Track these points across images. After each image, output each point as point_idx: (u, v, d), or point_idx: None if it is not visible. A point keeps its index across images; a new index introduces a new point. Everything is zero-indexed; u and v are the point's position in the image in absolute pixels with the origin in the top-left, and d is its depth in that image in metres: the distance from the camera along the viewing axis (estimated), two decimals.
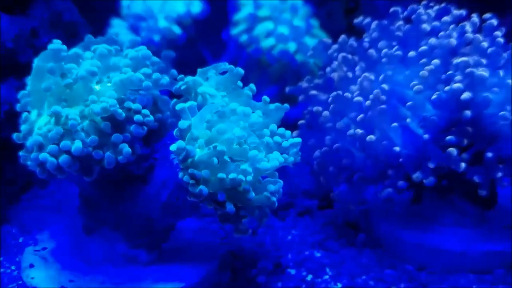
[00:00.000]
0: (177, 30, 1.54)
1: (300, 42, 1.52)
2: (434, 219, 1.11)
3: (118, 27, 1.62)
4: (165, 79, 0.91)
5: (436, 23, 1.06)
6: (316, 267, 1.09)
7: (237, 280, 1.04)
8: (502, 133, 0.96)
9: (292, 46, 1.51)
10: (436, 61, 0.97)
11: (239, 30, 1.57)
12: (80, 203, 0.97)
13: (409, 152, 1.01)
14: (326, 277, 1.06)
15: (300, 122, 1.15)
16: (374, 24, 1.12)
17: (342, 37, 1.15)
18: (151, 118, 0.86)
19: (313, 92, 1.15)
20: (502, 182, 0.98)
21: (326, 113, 1.06)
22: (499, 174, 0.97)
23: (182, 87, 0.90)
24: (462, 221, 1.10)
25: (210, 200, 0.81)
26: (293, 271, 1.07)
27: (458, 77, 0.95)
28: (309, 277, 1.05)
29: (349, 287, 1.02)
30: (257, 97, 1.33)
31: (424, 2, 1.11)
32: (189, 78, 0.91)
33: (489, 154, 0.96)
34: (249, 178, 0.79)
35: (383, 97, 0.98)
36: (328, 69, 1.16)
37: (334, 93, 1.04)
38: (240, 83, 0.93)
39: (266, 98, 0.93)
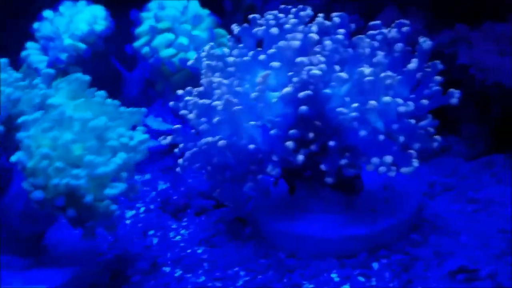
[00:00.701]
0: (81, 45, 1.62)
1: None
2: (306, 208, 1.18)
3: (30, 49, 1.70)
4: (20, 93, 0.98)
5: (288, 26, 1.13)
6: (193, 262, 1.16)
7: (113, 280, 1.10)
8: (344, 125, 1.03)
9: (192, 55, 1.58)
10: (276, 64, 1.05)
11: (141, 42, 1.65)
12: None
13: (265, 148, 1.08)
14: (200, 271, 1.12)
15: (176, 126, 1.21)
16: (236, 30, 1.20)
17: (209, 45, 1.23)
18: (1, 128, 0.93)
19: (189, 98, 1.22)
20: (347, 169, 1.06)
21: (191, 115, 1.13)
22: (343, 161, 1.04)
23: (37, 101, 0.97)
24: (330, 208, 1.17)
25: (53, 206, 0.87)
26: (168, 269, 1.13)
27: (295, 79, 1.02)
28: (179, 273, 1.11)
29: (216, 278, 1.08)
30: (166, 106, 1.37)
31: (281, 6, 1.19)
32: (41, 92, 0.98)
33: (331, 143, 1.04)
34: (82, 182, 0.85)
35: (235, 100, 1.05)
36: (202, 76, 1.23)
37: (193, 99, 1.11)
38: (94, 91, 1.01)
39: (115, 102, 1.00)
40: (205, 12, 1.74)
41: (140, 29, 1.65)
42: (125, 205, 1.44)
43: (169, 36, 1.62)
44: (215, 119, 1.07)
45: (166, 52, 1.60)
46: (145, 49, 1.63)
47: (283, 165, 1.08)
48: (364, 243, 1.12)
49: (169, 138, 1.18)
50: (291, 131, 1.03)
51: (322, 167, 1.06)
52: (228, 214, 1.33)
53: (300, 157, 1.03)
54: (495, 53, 1.21)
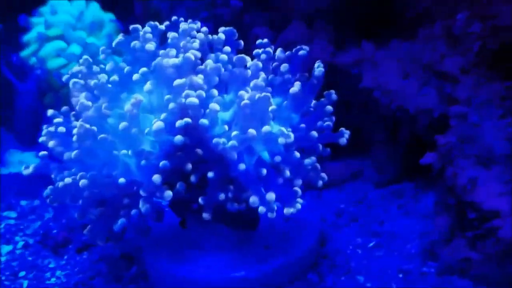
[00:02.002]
0: None
1: (97, 60, 1.43)
2: (196, 244, 1.05)
3: None
4: None
5: (169, 40, 0.99)
6: None
7: None
8: (224, 154, 0.91)
9: None
10: (149, 86, 0.91)
11: (29, 51, 1.47)
12: None
13: (141, 180, 0.94)
14: None
15: (41, 153, 1.04)
16: (114, 42, 1.05)
17: (84, 58, 1.07)
18: None
19: (58, 120, 1.05)
20: (232, 204, 0.93)
21: (52, 143, 0.97)
22: (222, 196, 0.91)
23: None
24: (222, 245, 1.04)
25: None
26: None
27: (172, 104, 0.88)
28: None
29: None
30: None
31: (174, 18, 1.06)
32: None
33: (211, 175, 0.91)
34: None
35: (94, 127, 0.90)
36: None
37: (46, 130, 0.96)
38: None
39: None
40: (108, 17, 1.57)
41: (28, 37, 1.47)
42: (3, 239, 1.26)
43: (60, 44, 1.44)
44: (73, 153, 0.91)
45: (54, 63, 1.42)
46: (33, 59, 1.45)
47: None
48: (254, 286, 1.00)
49: (31, 168, 1.01)
50: (162, 163, 0.89)
51: (200, 200, 0.92)
52: (113, 251, 1.17)
53: (168, 193, 0.89)
54: (399, 75, 1.11)
